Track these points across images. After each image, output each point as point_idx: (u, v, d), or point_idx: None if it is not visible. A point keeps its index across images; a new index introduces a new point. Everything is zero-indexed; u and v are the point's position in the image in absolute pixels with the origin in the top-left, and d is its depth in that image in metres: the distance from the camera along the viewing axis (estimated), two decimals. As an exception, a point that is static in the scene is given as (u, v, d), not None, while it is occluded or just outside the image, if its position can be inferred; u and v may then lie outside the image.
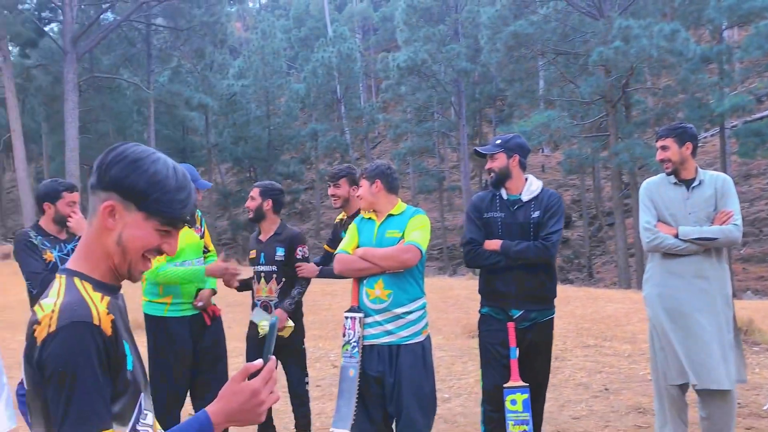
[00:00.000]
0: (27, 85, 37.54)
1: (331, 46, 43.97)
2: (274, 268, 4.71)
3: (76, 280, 1.49)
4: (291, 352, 4.84)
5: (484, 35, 30.38)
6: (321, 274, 4.87)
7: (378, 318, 3.94)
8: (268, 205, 4.77)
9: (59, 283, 1.50)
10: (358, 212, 4.53)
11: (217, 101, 41.27)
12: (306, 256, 4.85)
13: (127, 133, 44.42)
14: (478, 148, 4.18)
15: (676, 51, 23.88)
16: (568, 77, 30.33)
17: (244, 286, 4.92)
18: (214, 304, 4.65)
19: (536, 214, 3.98)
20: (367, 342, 3.95)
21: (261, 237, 4.83)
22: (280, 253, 4.71)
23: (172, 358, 4.39)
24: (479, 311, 4.19)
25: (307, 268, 4.73)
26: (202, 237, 4.72)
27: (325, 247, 5.27)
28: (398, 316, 3.93)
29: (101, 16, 36.08)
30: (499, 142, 4.11)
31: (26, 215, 33.58)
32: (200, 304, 4.51)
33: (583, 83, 28.22)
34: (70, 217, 4.08)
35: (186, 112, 40.27)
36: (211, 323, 4.59)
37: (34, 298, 4.02)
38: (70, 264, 1.55)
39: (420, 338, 3.95)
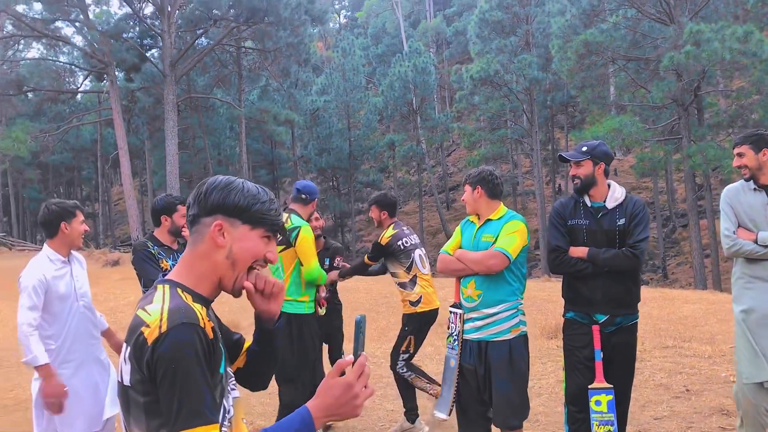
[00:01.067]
0: (131, 107, 39.22)
1: (407, 60, 44.11)
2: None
3: (179, 290, 1.56)
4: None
5: (555, 44, 29.80)
6: (345, 273, 5.80)
7: (470, 315, 4.00)
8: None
9: (162, 291, 1.56)
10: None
11: (302, 116, 42.05)
12: (339, 265, 6.02)
13: (221, 147, 45.85)
14: (563, 154, 4.06)
15: (749, 52, 22.82)
16: (638, 82, 29.42)
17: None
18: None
19: (621, 221, 3.87)
20: (465, 336, 4.01)
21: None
22: (326, 263, 5.91)
23: (317, 350, 4.90)
24: (563, 315, 4.10)
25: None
26: None
27: (365, 259, 5.75)
28: (486, 315, 3.94)
29: (196, 42, 37.33)
30: (585, 149, 4.00)
31: (132, 225, 35.04)
32: (323, 293, 5.06)
33: (654, 88, 27.30)
34: (184, 227, 4.22)
35: (274, 127, 41.09)
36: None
37: None
38: (171, 277, 1.62)
39: (507, 336, 3.90)
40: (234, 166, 47.26)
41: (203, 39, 38.54)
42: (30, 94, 38.89)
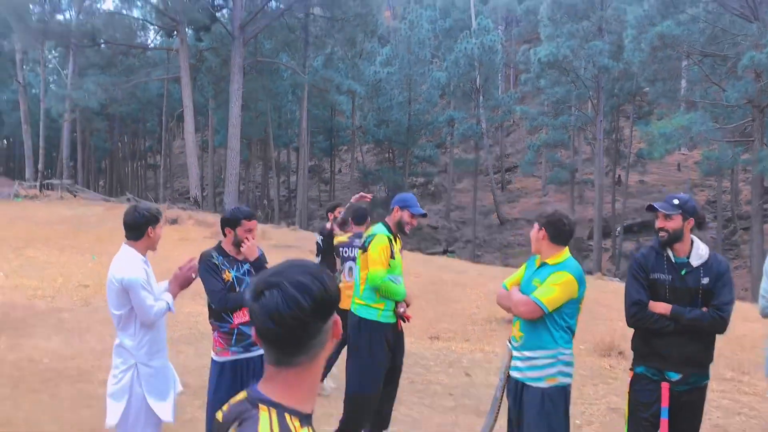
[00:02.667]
0: (199, 66, 39.64)
1: (475, 37, 43.34)
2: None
3: (287, 417, 1.42)
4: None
5: (629, 34, 28.83)
6: None
7: (515, 353, 3.98)
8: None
9: (269, 419, 1.41)
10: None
11: (364, 86, 41.85)
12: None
13: (281, 111, 46.16)
14: (654, 204, 3.89)
15: (837, 58, 21.68)
16: (713, 79, 28.28)
17: None
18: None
19: (706, 280, 3.70)
20: (510, 371, 4.03)
21: None
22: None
23: (384, 359, 4.85)
24: (632, 369, 3.97)
25: None
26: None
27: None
28: (526, 358, 3.90)
29: (266, 5, 37.38)
30: (676, 202, 3.82)
31: (191, 182, 35.72)
32: (402, 309, 4.92)
33: (729, 87, 26.22)
34: (244, 242, 4.22)
35: (336, 96, 41.14)
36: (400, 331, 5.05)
37: (214, 312, 4.23)
38: (276, 396, 1.44)
39: (541, 384, 3.82)
40: (293, 130, 47.57)
41: (273, 2, 38.57)
42: (103, 46, 39.63)
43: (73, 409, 5.79)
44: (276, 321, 1.36)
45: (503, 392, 4.13)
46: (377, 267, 4.80)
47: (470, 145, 49.57)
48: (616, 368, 7.60)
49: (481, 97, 44.59)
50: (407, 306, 4.96)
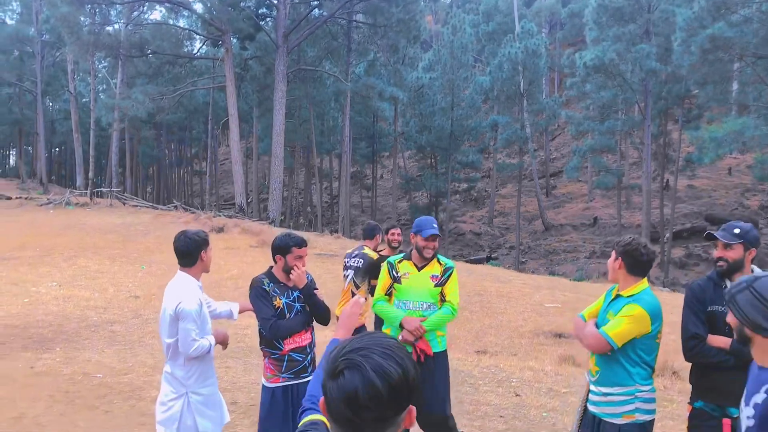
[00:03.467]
0: (243, 74, 40.23)
1: (518, 41, 42.97)
2: None
3: None
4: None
5: (678, 37, 28.20)
6: None
7: (592, 387, 3.90)
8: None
9: None
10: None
11: (406, 92, 41.86)
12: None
13: (324, 118, 46.49)
14: (714, 233, 3.77)
15: None
16: (767, 82, 27.49)
17: None
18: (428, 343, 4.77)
19: None
20: (588, 405, 3.97)
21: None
22: None
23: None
24: (690, 403, 3.86)
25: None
26: (438, 285, 4.81)
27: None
28: (602, 393, 3.79)
29: (310, 13, 37.75)
30: (738, 231, 3.69)
31: (237, 189, 36.20)
32: (412, 339, 4.67)
33: (785, 89, 25.50)
34: (294, 269, 4.23)
35: (378, 103, 41.23)
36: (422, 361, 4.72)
37: (265, 338, 4.26)
38: None
39: (618, 420, 3.72)
40: (336, 137, 47.86)
41: (316, 11, 38.92)
42: (150, 56, 40.52)
43: (128, 427, 5.90)
44: (351, 405, 1.31)
45: (579, 426, 4.04)
46: (376, 293, 4.97)
47: (514, 150, 49.13)
48: (671, 389, 7.40)
49: (525, 102, 44.19)
50: (421, 333, 4.68)
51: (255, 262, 17.41)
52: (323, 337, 10.77)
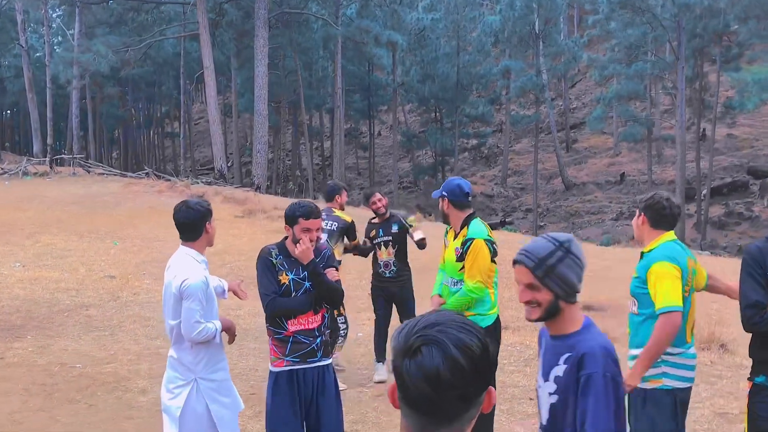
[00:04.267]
0: (218, 20, 39.77)
1: (532, -25, 42.49)
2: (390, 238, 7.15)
3: None
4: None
5: (716, -36, 27.93)
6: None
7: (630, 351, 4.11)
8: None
9: None
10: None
11: (405, 36, 41.43)
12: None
13: (312, 69, 46.13)
14: None
15: None
16: (818, 14, 27.29)
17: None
18: None
19: None
20: None
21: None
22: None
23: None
24: (751, 379, 3.91)
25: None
26: (459, 260, 4.90)
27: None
28: (631, 357, 4.00)
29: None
30: None
31: (215, 153, 36.10)
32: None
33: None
34: (300, 242, 4.21)
35: (374, 50, 40.87)
36: None
37: (269, 316, 4.27)
38: None
39: (643, 385, 3.88)
40: (326, 90, 47.58)
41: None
42: (111, 2, 40.10)
43: (114, 421, 5.98)
44: (434, 385, 1.32)
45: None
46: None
47: (529, 100, 48.96)
48: (718, 364, 7.48)
49: (541, 44, 43.80)
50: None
51: (242, 235, 17.44)
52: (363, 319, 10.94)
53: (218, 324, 4.04)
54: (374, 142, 51.89)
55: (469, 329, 1.37)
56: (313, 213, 4.22)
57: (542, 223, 38.60)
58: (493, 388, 1.43)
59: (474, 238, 4.87)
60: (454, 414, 1.37)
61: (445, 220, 5.04)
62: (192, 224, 4.02)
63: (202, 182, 31.50)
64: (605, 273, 14.27)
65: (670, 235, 4.08)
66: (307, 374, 4.20)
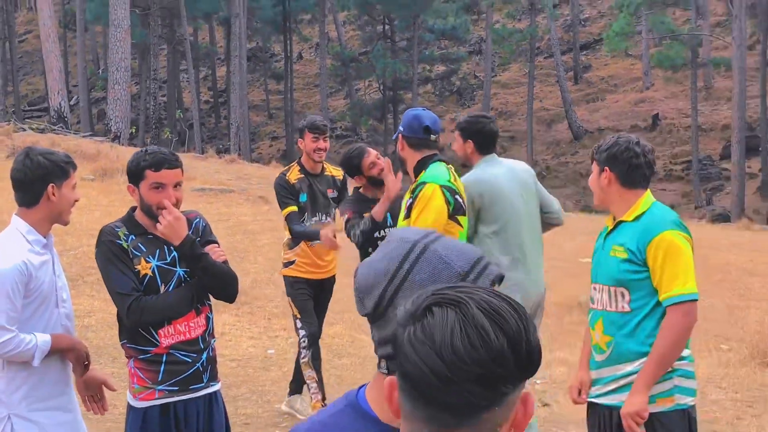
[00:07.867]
0: None
1: None
2: None
3: None
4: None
5: None
6: None
7: (601, 372, 4.18)
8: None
9: None
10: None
11: None
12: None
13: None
14: None
15: None
16: None
17: None
18: None
19: None
20: (591, 398, 4.28)
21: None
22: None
23: None
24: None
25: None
26: (406, 217, 5.15)
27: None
28: (619, 375, 4.08)
29: None
30: None
31: (52, 85, 35.63)
32: None
33: None
34: (159, 213, 4.12)
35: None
36: None
37: (126, 328, 4.22)
38: None
39: (652, 408, 3.95)
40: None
41: None
42: None
43: None
44: (446, 359, 1.31)
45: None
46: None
47: (521, 7, 49.24)
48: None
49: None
50: None
51: (92, 206, 17.22)
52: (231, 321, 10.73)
53: (43, 337, 3.90)
54: (293, 69, 51.77)
55: (503, 297, 1.38)
56: (166, 160, 4.11)
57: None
58: (530, 396, 1.42)
59: (426, 182, 4.92)
60: (474, 408, 1.35)
61: (404, 168, 5.07)
62: (27, 182, 3.96)
63: (33, 128, 31.02)
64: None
65: (650, 195, 4.17)
66: (190, 408, 4.16)
